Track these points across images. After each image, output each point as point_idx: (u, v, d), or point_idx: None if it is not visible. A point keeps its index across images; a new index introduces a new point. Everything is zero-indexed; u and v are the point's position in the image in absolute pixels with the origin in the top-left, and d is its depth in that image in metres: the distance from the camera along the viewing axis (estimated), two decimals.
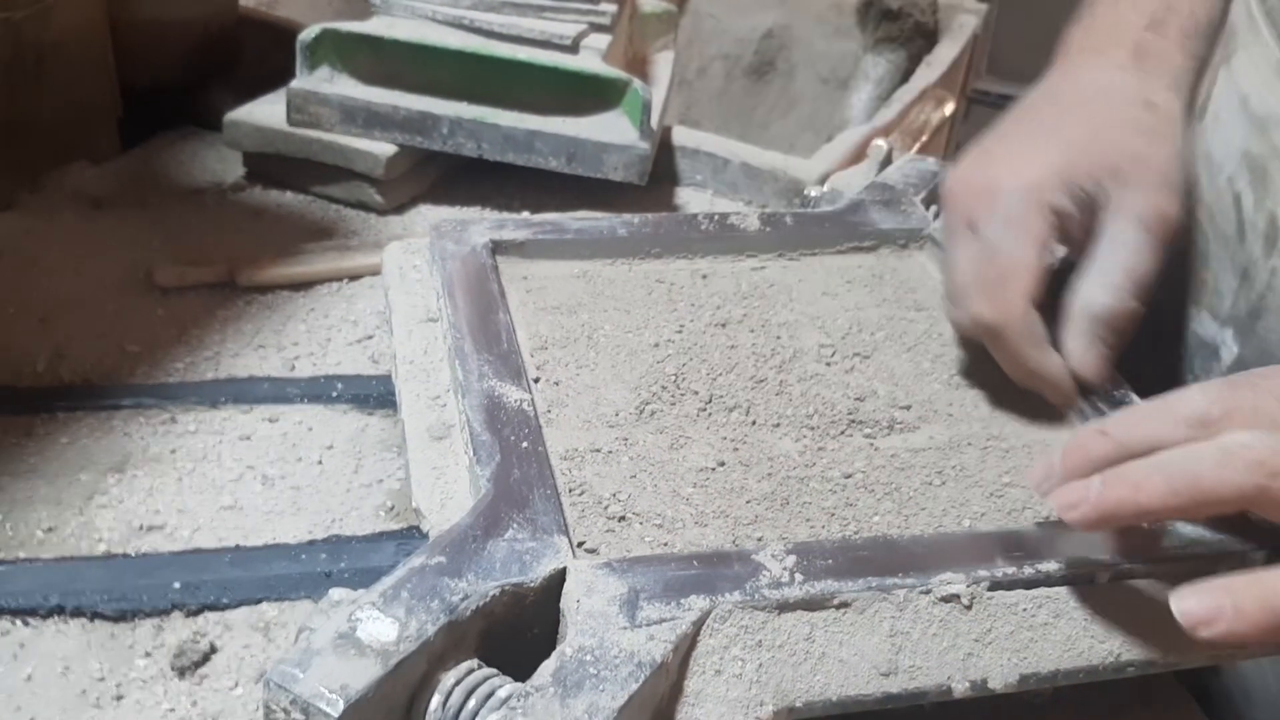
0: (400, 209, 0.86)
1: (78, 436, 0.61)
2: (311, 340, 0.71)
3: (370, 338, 0.71)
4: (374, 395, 0.64)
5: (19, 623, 0.50)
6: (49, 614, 0.50)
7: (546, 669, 0.39)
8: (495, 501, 0.46)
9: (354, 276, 0.76)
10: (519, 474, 0.48)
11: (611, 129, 0.84)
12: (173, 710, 0.47)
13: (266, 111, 0.86)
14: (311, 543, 0.54)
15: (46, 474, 0.58)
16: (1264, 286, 0.57)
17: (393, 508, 0.58)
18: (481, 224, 0.65)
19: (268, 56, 0.99)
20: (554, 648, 0.41)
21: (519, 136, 0.82)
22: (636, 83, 0.83)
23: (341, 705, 0.37)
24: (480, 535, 0.45)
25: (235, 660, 0.49)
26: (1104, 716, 0.50)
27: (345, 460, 0.61)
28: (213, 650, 0.49)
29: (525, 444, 0.50)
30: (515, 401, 0.52)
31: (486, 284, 0.60)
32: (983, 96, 2.18)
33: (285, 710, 0.37)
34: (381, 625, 0.40)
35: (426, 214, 0.85)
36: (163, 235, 0.80)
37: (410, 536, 0.55)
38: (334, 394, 0.64)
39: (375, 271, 0.75)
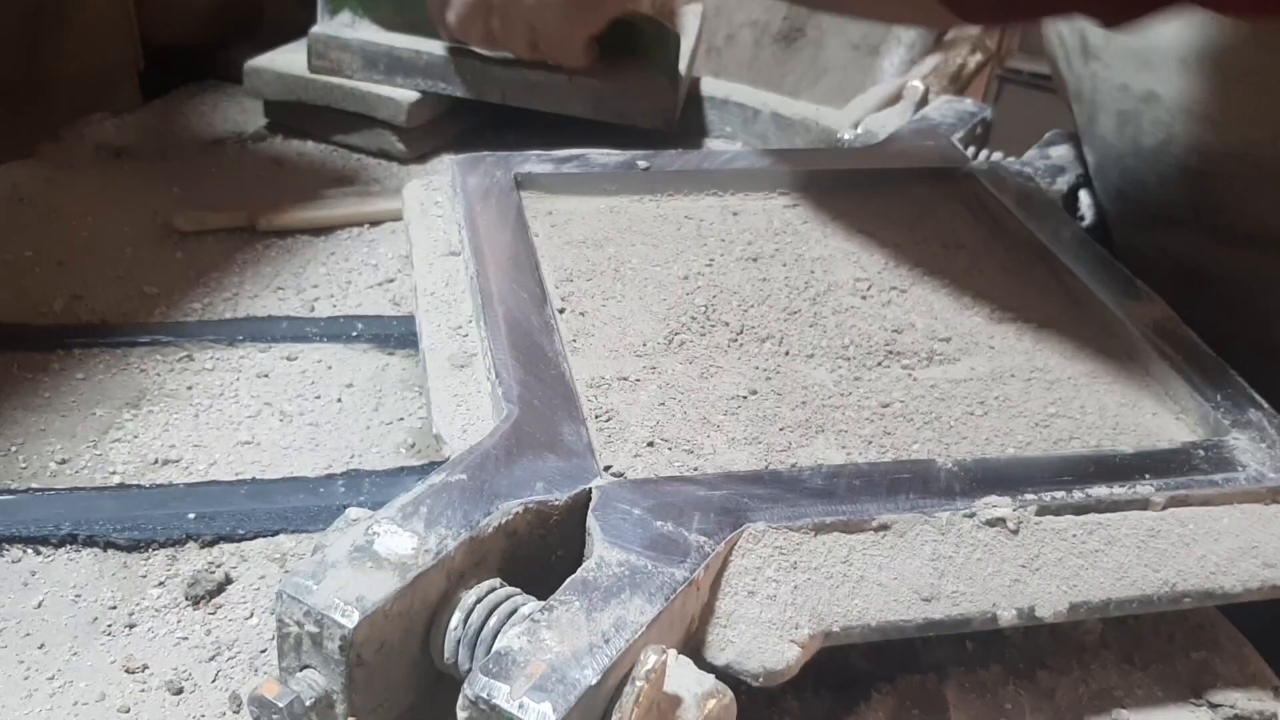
0: (422, 158, 0.84)
1: (93, 373, 0.60)
2: (331, 283, 0.69)
3: (391, 281, 0.69)
4: (395, 335, 0.62)
5: (30, 551, 0.48)
6: (61, 543, 0.49)
7: (572, 583, 0.37)
8: (519, 423, 0.45)
9: (375, 222, 0.75)
10: (543, 396, 0.46)
11: (639, 75, 0.82)
12: (185, 639, 0.45)
13: (288, 59, 0.85)
14: (330, 476, 0.53)
15: (61, 408, 0.57)
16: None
17: (413, 445, 0.56)
18: (505, 157, 0.63)
19: (289, 12, 0.97)
20: (564, 568, 0.39)
21: (543, 81, 0.80)
22: (665, 25, 0.81)
23: (357, 617, 0.35)
24: (503, 455, 0.43)
25: (250, 590, 0.47)
26: (1155, 660, 0.47)
27: (365, 398, 0.59)
28: (228, 580, 0.48)
29: (549, 369, 0.48)
30: (539, 327, 0.50)
31: (509, 214, 0.58)
32: (1015, 75, 2.14)
33: (298, 623, 0.36)
34: (400, 539, 0.38)
35: (448, 162, 0.83)
36: (183, 184, 0.78)
37: (430, 471, 0.53)
38: (354, 333, 0.63)
39: (396, 217, 0.74)
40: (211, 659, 0.44)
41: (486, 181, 0.60)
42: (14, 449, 0.54)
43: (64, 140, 0.82)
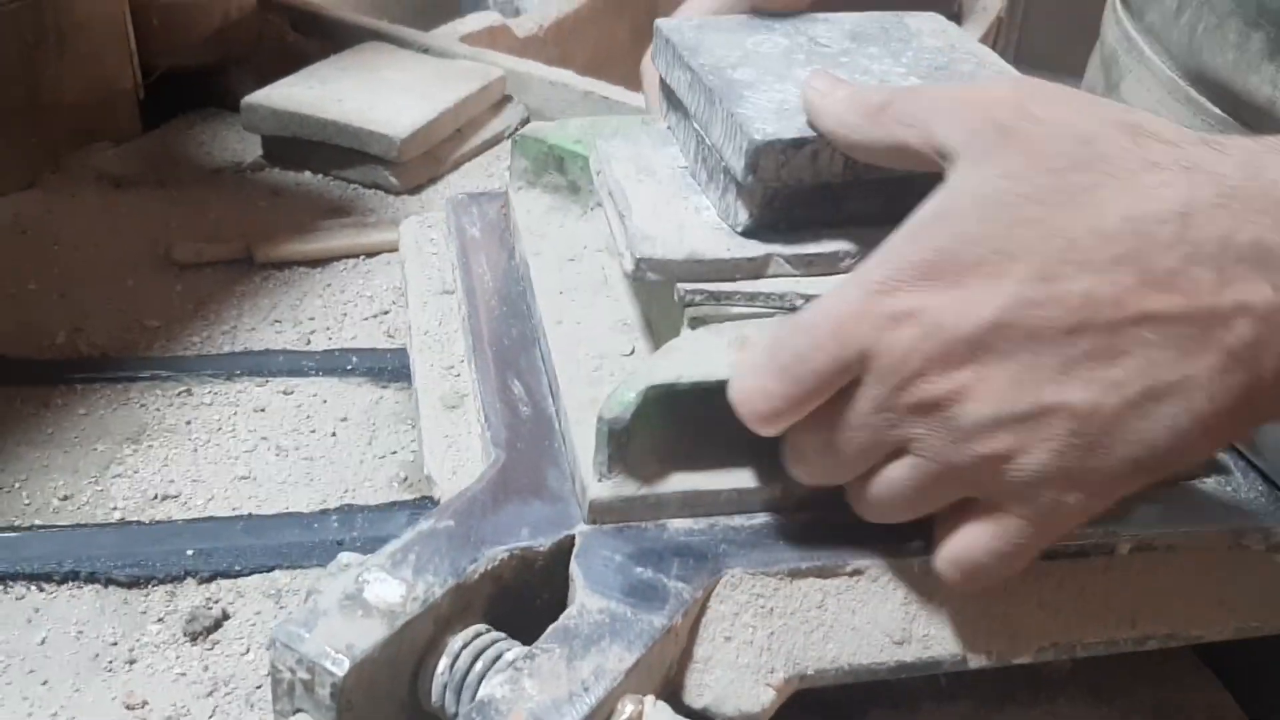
0: (416, 190, 0.86)
1: (95, 407, 0.61)
2: (328, 315, 0.71)
3: (386, 313, 0.71)
4: (389, 369, 0.64)
5: (33, 588, 0.50)
6: (63, 579, 0.50)
7: (554, 631, 0.39)
8: (505, 468, 0.46)
9: (370, 253, 0.76)
10: (529, 440, 0.48)
11: None
12: (184, 674, 0.47)
13: (284, 94, 0.86)
14: (324, 512, 0.54)
15: (63, 443, 0.59)
16: None
17: (406, 479, 0.58)
18: (498, 196, 0.65)
19: (287, 40, 0.99)
20: (546, 614, 0.40)
21: None
22: None
23: (347, 665, 0.36)
24: (490, 501, 0.44)
25: (247, 626, 0.49)
26: (1121, 693, 0.49)
27: (359, 432, 0.61)
28: (225, 616, 0.49)
29: (536, 411, 0.49)
30: (526, 369, 0.52)
31: (503, 254, 0.60)
32: None
33: (291, 669, 0.37)
34: (388, 586, 0.39)
35: (442, 192, 0.85)
36: (181, 214, 0.80)
37: (423, 507, 0.55)
38: (349, 367, 0.64)
39: (392, 249, 0.75)
40: (209, 694, 0.46)
41: (481, 220, 0.62)
42: (17, 485, 0.56)
43: (65, 169, 0.84)
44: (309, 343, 0.68)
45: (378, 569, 0.40)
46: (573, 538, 0.43)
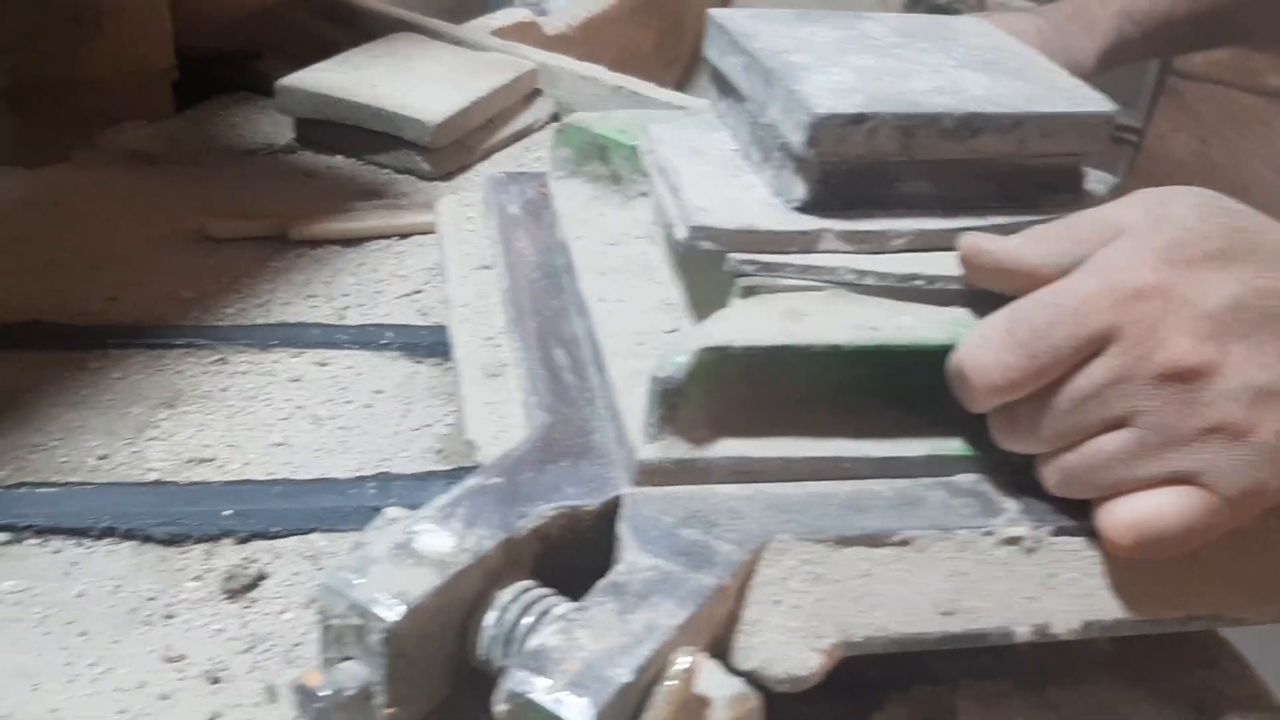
0: (448, 176, 0.86)
1: (129, 372, 0.61)
2: (361, 292, 0.71)
3: (419, 292, 0.71)
4: (424, 344, 0.64)
5: (71, 542, 0.50)
6: (100, 535, 0.50)
7: (604, 586, 0.39)
8: (551, 430, 0.46)
9: (404, 234, 0.76)
10: (574, 406, 0.48)
11: None
12: (222, 630, 0.46)
13: (318, 78, 0.87)
14: (360, 478, 0.54)
15: (99, 405, 0.59)
16: None
17: (441, 450, 0.58)
18: (536, 175, 0.65)
19: (320, 27, 0.99)
20: (594, 572, 0.40)
21: None
22: None
23: (401, 610, 0.36)
24: (537, 461, 0.44)
25: (284, 586, 0.49)
26: (1160, 677, 0.49)
27: (394, 404, 0.61)
28: (262, 576, 0.49)
29: (579, 379, 0.49)
30: (570, 339, 0.52)
31: (542, 228, 0.60)
32: None
33: (341, 615, 0.37)
34: (439, 538, 0.39)
35: (473, 180, 0.85)
36: (214, 192, 0.80)
37: (457, 477, 0.54)
38: (383, 341, 0.64)
39: (425, 230, 0.76)
40: (247, 651, 0.46)
41: (520, 198, 0.62)
42: (54, 444, 0.56)
43: (98, 146, 0.84)
44: (342, 318, 0.68)
45: (428, 521, 0.40)
46: (619, 499, 0.43)
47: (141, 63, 0.86)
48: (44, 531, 0.50)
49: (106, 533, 0.50)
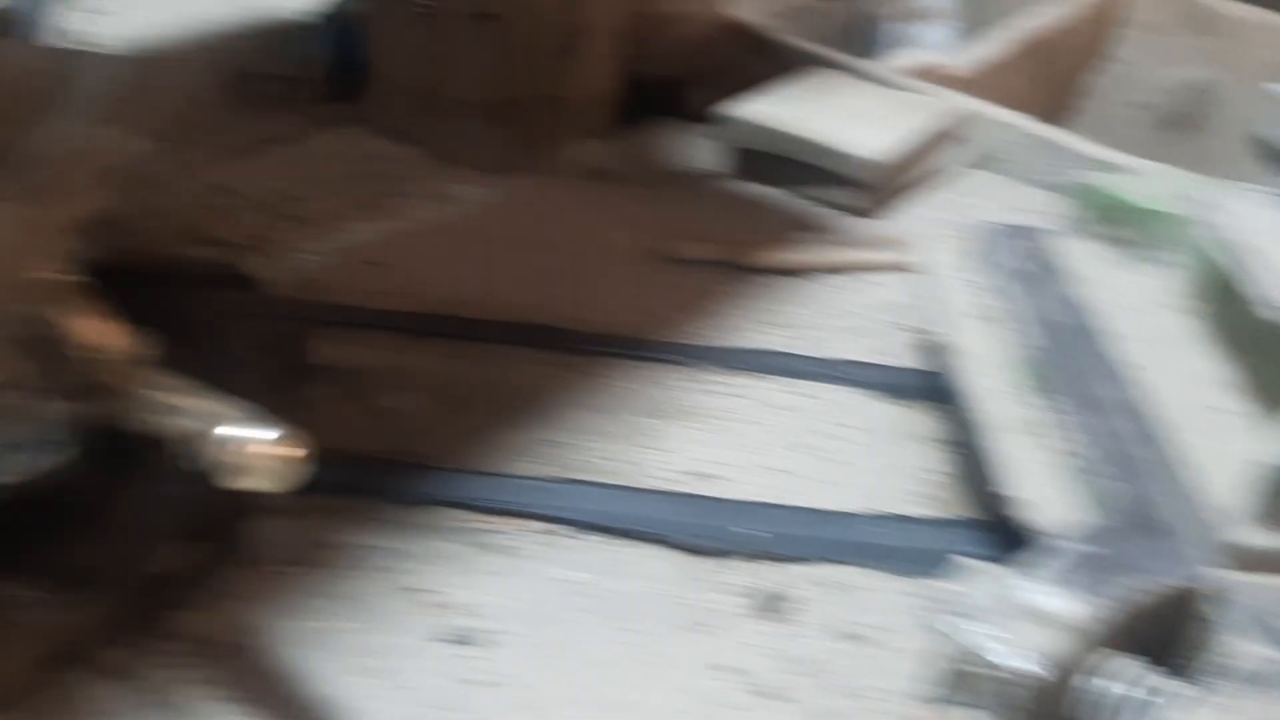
0: (872, 214, 0.87)
1: (619, 380, 0.65)
2: (810, 324, 0.73)
3: (878, 330, 0.72)
4: (906, 386, 0.65)
5: (615, 541, 0.53)
6: (640, 538, 0.53)
7: (1213, 668, 0.38)
8: (1132, 503, 0.46)
9: (848, 270, 0.78)
10: (1141, 479, 0.47)
11: None
12: (764, 648, 0.49)
13: (757, 110, 0.89)
14: (880, 516, 0.56)
15: (598, 409, 0.63)
16: None
17: (924, 494, 0.58)
18: (1027, 230, 0.65)
19: (743, 59, 1.03)
20: (1181, 651, 0.40)
21: None
22: None
23: (1049, 669, 0.37)
24: (1123, 532, 0.44)
25: (821, 613, 0.51)
26: None
27: (878, 442, 0.62)
28: (794, 600, 0.51)
29: (1138, 449, 0.49)
30: (1111, 406, 0.51)
31: (1049, 288, 0.60)
32: None
33: (974, 664, 0.38)
34: (1066, 602, 0.40)
35: (897, 219, 0.86)
36: (659, 211, 0.84)
37: (966, 525, 0.56)
38: (860, 378, 0.66)
39: (869, 268, 0.77)
40: (797, 673, 0.48)
41: (1017, 253, 0.62)
42: (565, 442, 0.60)
43: (561, 160, 0.89)
44: (793, 348, 0.70)
45: (1046, 583, 0.41)
46: (1214, 579, 0.42)
47: (599, 84, 0.92)
48: (586, 527, 0.54)
49: (650, 538, 0.53)
